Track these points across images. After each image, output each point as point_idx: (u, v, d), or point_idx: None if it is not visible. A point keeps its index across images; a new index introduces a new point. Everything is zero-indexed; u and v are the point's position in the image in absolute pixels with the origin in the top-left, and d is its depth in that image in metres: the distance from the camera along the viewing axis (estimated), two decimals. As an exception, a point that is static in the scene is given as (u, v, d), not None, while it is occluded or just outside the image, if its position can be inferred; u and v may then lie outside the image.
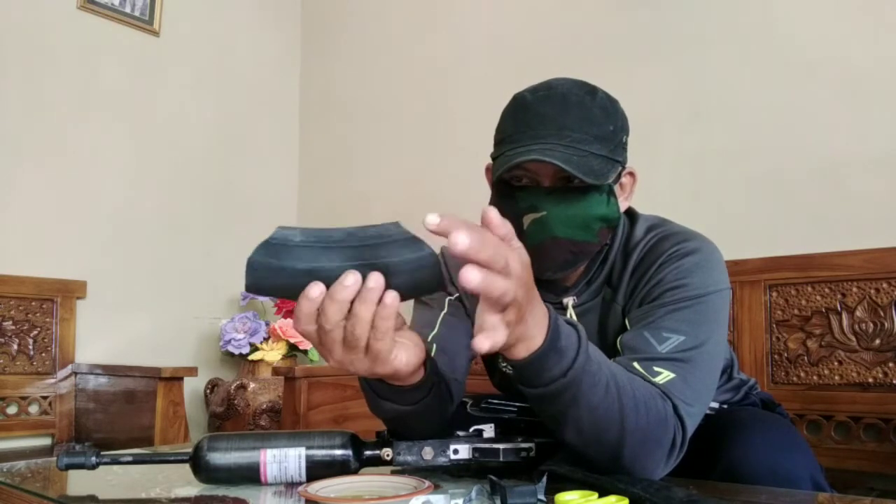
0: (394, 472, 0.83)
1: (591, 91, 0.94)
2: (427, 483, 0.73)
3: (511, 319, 0.62)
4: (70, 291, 2.37)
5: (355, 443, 0.81)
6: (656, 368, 0.82)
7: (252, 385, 2.41)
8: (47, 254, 2.36)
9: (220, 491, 0.79)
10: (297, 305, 0.61)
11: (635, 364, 0.83)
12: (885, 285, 1.54)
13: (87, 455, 0.80)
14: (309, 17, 3.13)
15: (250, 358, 2.52)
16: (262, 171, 2.97)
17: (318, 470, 0.79)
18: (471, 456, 0.82)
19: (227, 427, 2.37)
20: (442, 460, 0.82)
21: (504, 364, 1.04)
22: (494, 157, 0.96)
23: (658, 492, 0.69)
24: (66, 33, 2.45)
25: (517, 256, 0.61)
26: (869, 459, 1.52)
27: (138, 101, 2.61)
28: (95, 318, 2.43)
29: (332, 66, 3.00)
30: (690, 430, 0.82)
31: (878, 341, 1.54)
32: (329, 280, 0.60)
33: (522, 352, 0.69)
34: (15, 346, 2.24)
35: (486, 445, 0.83)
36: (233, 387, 2.39)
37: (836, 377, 1.58)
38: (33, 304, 2.29)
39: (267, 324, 2.57)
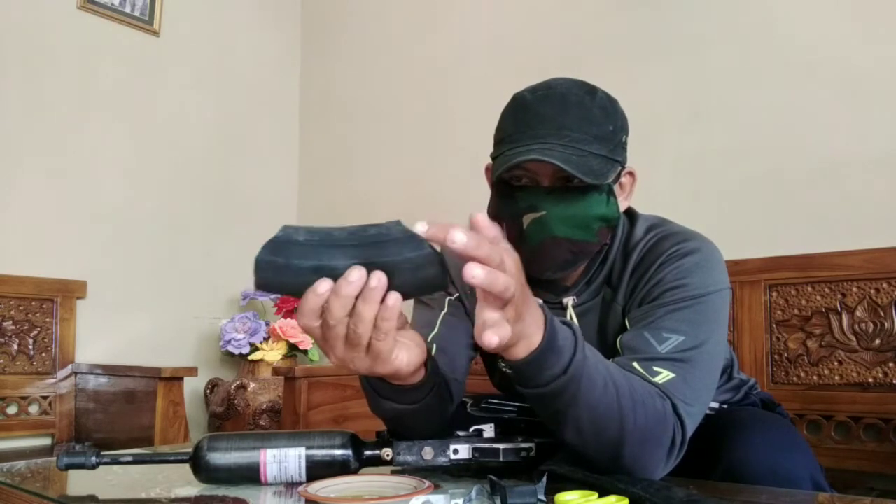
0: (394, 472, 0.83)
1: (590, 91, 0.94)
2: (427, 483, 0.74)
3: (511, 316, 0.63)
4: (70, 291, 2.37)
5: (355, 443, 0.81)
6: (656, 368, 0.82)
7: (252, 385, 2.41)
8: (47, 254, 2.36)
9: (220, 491, 0.79)
10: (302, 300, 0.62)
11: (635, 364, 0.83)
12: (885, 285, 1.54)
13: (87, 455, 0.80)
14: (309, 17, 3.13)
15: (250, 358, 2.52)
16: (262, 171, 2.97)
17: (318, 470, 0.79)
18: (471, 456, 0.82)
19: (227, 427, 2.37)
20: (442, 460, 0.82)
21: (503, 365, 1.04)
22: (494, 157, 0.96)
23: (658, 492, 0.69)
24: (66, 33, 2.45)
25: (510, 255, 0.62)
26: (869, 459, 1.52)
27: (138, 101, 2.61)
28: (95, 318, 2.43)
29: (332, 66, 3.00)
30: (690, 429, 0.82)
31: (878, 341, 1.54)
32: (335, 277, 0.60)
33: (522, 351, 0.69)
34: (15, 346, 2.25)
35: (486, 445, 0.83)
36: (233, 387, 2.39)
37: (836, 377, 1.58)
38: (33, 304, 2.29)
39: (267, 324, 2.57)
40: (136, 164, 2.60)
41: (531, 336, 0.68)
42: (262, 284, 0.60)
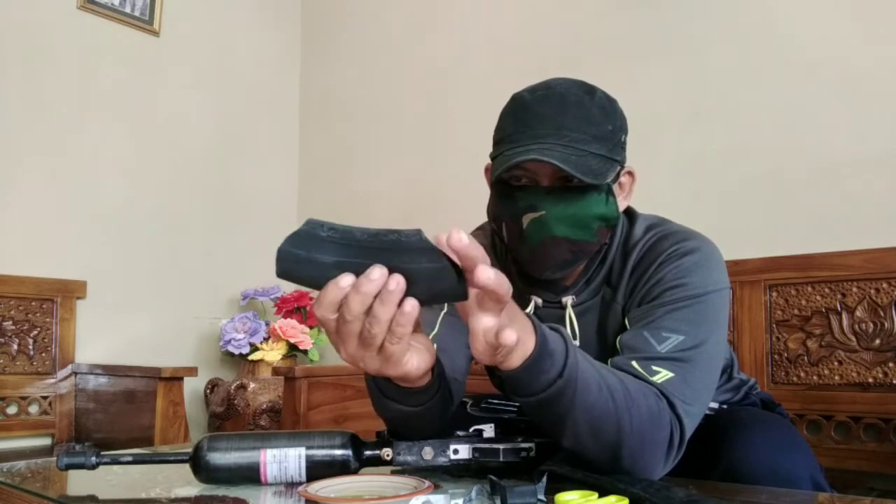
0: (394, 472, 0.83)
1: (589, 91, 0.94)
2: (427, 483, 0.74)
3: (505, 322, 0.64)
4: (70, 291, 2.37)
5: (355, 443, 0.81)
6: (655, 368, 0.82)
7: (252, 385, 2.41)
8: (47, 254, 2.36)
9: (220, 491, 0.79)
10: (322, 291, 0.62)
11: (634, 363, 0.83)
12: (885, 285, 1.54)
13: (87, 455, 0.80)
14: (309, 17, 3.13)
15: (250, 358, 2.52)
16: (262, 171, 2.97)
17: (318, 470, 0.79)
18: (471, 456, 0.82)
19: (227, 427, 2.37)
20: (442, 460, 0.82)
21: (496, 381, 1.04)
22: (493, 157, 0.96)
23: (658, 492, 0.69)
24: (66, 33, 2.45)
25: None
26: (869, 459, 1.52)
27: (138, 101, 2.61)
28: (95, 318, 2.43)
29: (332, 66, 3.00)
30: (690, 429, 0.82)
31: (878, 341, 1.54)
32: (355, 275, 0.61)
33: (517, 359, 0.69)
34: (15, 346, 2.25)
35: (486, 445, 0.83)
36: (233, 387, 2.39)
37: (836, 377, 1.58)
38: (33, 304, 2.29)
39: (267, 324, 2.57)
40: (136, 164, 2.60)
41: (525, 342, 0.68)
42: (283, 274, 0.61)
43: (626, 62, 2.08)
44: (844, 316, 1.58)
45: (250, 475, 0.79)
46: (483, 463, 0.83)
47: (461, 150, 2.41)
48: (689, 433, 0.82)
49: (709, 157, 1.91)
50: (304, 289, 2.46)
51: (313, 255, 0.60)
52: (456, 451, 0.82)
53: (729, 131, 1.89)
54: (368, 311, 0.62)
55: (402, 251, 0.59)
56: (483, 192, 1.01)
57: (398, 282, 0.59)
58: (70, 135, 2.44)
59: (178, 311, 2.66)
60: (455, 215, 2.15)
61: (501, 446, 0.83)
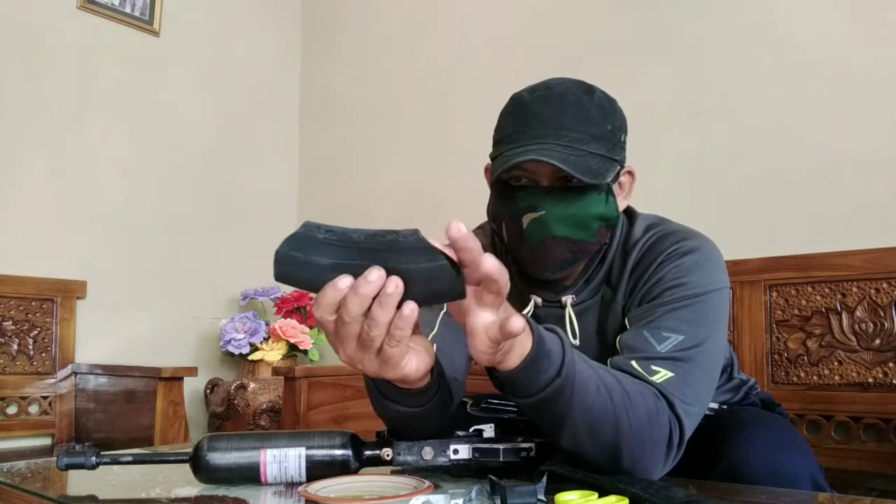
0: (394, 472, 0.83)
1: (588, 90, 0.94)
2: (427, 483, 0.74)
3: (503, 317, 0.64)
4: (70, 291, 2.37)
5: (355, 443, 0.81)
6: (654, 367, 0.82)
7: (252, 385, 2.41)
8: (47, 254, 2.36)
9: (220, 491, 0.79)
10: (320, 293, 0.62)
11: (633, 363, 0.83)
12: (885, 285, 1.54)
13: (87, 455, 0.80)
14: (309, 17, 3.13)
15: (250, 358, 2.52)
16: (262, 171, 2.97)
17: (318, 470, 0.79)
18: (471, 456, 0.82)
19: (227, 427, 2.37)
20: (442, 460, 0.82)
21: (495, 382, 1.04)
22: (493, 157, 0.96)
23: (658, 492, 0.69)
24: (66, 33, 2.45)
25: None
26: (869, 459, 1.52)
27: (138, 101, 2.61)
28: (95, 318, 2.43)
29: (332, 66, 3.00)
30: (689, 429, 0.82)
31: (878, 341, 1.54)
32: (353, 277, 0.61)
33: (515, 359, 0.69)
34: (15, 346, 2.25)
35: (486, 445, 0.83)
36: (233, 387, 2.39)
37: (836, 377, 1.58)
38: (33, 304, 2.29)
39: (267, 324, 2.57)
40: (136, 164, 2.60)
41: (522, 342, 0.69)
42: (281, 277, 0.61)
43: (626, 62, 2.08)
44: (844, 316, 1.58)
45: (250, 475, 0.79)
46: (483, 463, 0.83)
47: (461, 150, 2.41)
48: (688, 433, 0.82)
49: (709, 157, 1.92)
50: (304, 289, 2.45)
51: (310, 257, 0.60)
52: (456, 451, 0.82)
53: (729, 131, 1.89)
54: (367, 313, 0.61)
55: (400, 251, 0.59)
56: (483, 192, 1.01)
57: (396, 284, 0.59)
58: (70, 134, 2.44)
59: (178, 311, 2.66)
60: (455, 215, 2.14)
61: (501, 446, 0.83)
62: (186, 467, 0.81)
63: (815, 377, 1.60)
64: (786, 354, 1.64)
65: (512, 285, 0.65)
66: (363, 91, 2.86)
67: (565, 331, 0.95)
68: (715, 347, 0.89)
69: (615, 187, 0.97)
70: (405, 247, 0.59)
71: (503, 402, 1.05)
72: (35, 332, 2.29)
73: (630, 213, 1.04)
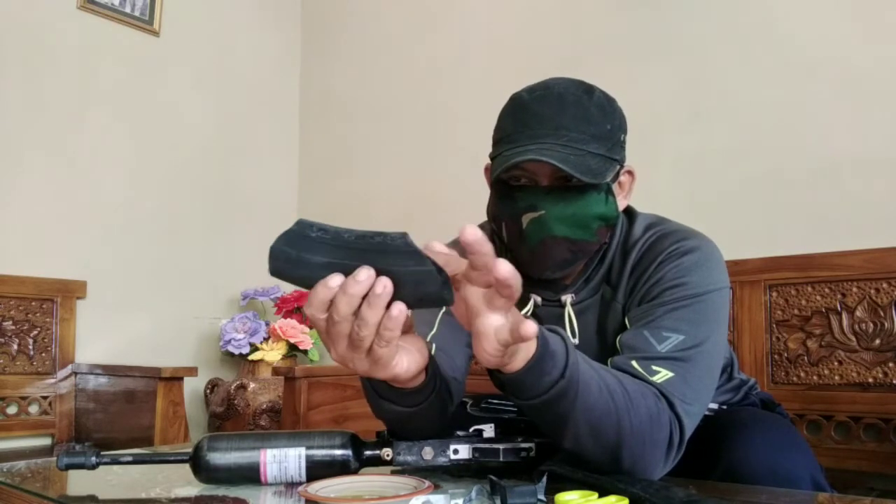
0: (394, 472, 0.83)
1: (588, 90, 0.94)
2: (427, 483, 0.74)
3: (518, 318, 0.64)
4: (70, 291, 2.37)
5: (355, 443, 0.81)
6: (655, 367, 0.82)
7: (252, 385, 2.41)
8: (47, 254, 2.36)
9: (220, 491, 0.79)
10: (312, 291, 0.62)
11: (634, 363, 0.83)
12: (885, 285, 1.54)
13: (87, 455, 0.80)
14: (309, 17, 3.13)
15: (250, 358, 2.52)
16: (262, 171, 2.97)
17: (318, 470, 0.79)
18: (471, 456, 0.82)
19: (227, 427, 2.37)
20: (442, 460, 0.82)
21: (497, 383, 1.04)
22: (493, 157, 0.96)
23: (658, 492, 0.69)
24: (66, 33, 2.45)
25: None
26: (869, 459, 1.52)
27: (138, 101, 2.61)
28: (95, 318, 2.43)
29: (332, 66, 3.00)
30: (689, 429, 0.82)
31: (878, 341, 1.54)
32: (345, 275, 0.61)
33: (521, 361, 0.69)
34: (15, 346, 2.25)
35: (486, 445, 0.83)
36: (233, 387, 2.39)
37: (836, 377, 1.58)
38: (33, 304, 2.29)
39: (267, 324, 2.57)
40: (136, 164, 2.60)
41: (528, 344, 0.68)
42: (275, 273, 0.61)
43: (626, 62, 2.08)
44: (844, 316, 1.58)
45: (250, 475, 0.79)
46: (483, 463, 0.83)
47: (461, 150, 2.41)
48: (688, 433, 0.82)
49: (709, 157, 1.91)
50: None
51: (303, 255, 0.60)
52: (456, 451, 0.82)
53: (729, 131, 1.89)
54: (357, 313, 0.62)
55: (389, 253, 0.59)
56: (483, 192, 1.01)
57: (385, 285, 0.60)
58: (70, 134, 2.44)
59: (178, 311, 2.66)
60: (455, 215, 2.14)
61: (501, 446, 0.83)
62: (186, 467, 0.81)
63: (815, 377, 1.60)
64: (786, 354, 1.64)
65: None
66: (363, 91, 2.85)
67: (564, 330, 0.95)
68: (715, 347, 0.89)
69: (615, 187, 0.97)
70: (393, 249, 0.59)
71: (503, 402, 1.05)
72: (35, 332, 2.29)
73: (630, 212, 1.04)
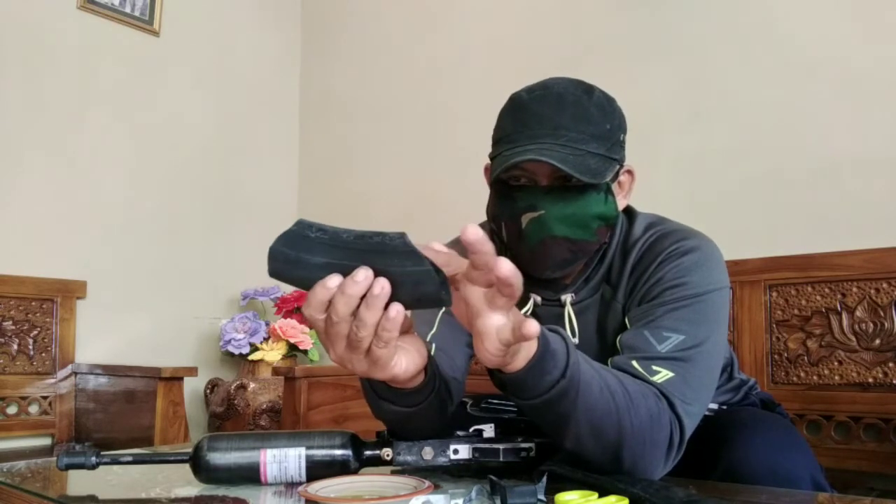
0: (394, 472, 0.83)
1: (587, 90, 0.94)
2: (427, 483, 0.74)
3: (520, 318, 0.64)
4: (70, 291, 2.37)
5: (355, 443, 0.81)
6: (655, 367, 0.82)
7: (252, 385, 2.41)
8: (47, 254, 2.36)
9: (220, 491, 0.79)
10: (310, 292, 0.62)
11: (634, 363, 0.83)
12: (885, 285, 1.54)
13: (87, 455, 0.80)
14: (309, 17, 3.13)
15: (250, 358, 2.52)
16: (262, 171, 2.97)
17: (318, 470, 0.79)
18: (471, 456, 0.82)
19: (227, 427, 2.37)
20: (442, 460, 0.82)
21: (497, 382, 1.04)
22: (492, 157, 0.96)
23: (658, 492, 0.69)
24: (66, 33, 2.45)
25: None
26: (869, 459, 1.52)
27: (138, 101, 2.61)
28: (95, 318, 2.43)
29: (332, 66, 3.00)
30: (689, 429, 0.82)
31: (878, 341, 1.54)
32: (343, 275, 0.61)
33: (522, 360, 0.69)
34: (15, 346, 2.25)
35: (486, 445, 0.83)
36: (233, 387, 2.39)
37: (836, 377, 1.58)
38: (33, 304, 2.29)
39: (267, 324, 2.57)
40: (136, 164, 2.60)
41: (529, 343, 0.68)
42: (274, 273, 0.61)
43: (626, 62, 2.08)
44: (844, 316, 1.58)
45: (250, 475, 0.79)
46: (483, 463, 0.83)
47: (461, 150, 2.41)
48: (689, 433, 0.82)
49: (709, 157, 1.91)
50: (304, 289, 2.46)
51: (302, 255, 0.60)
52: (456, 451, 0.82)
53: (729, 131, 1.89)
54: (355, 313, 0.62)
55: (387, 254, 0.59)
56: (483, 192, 1.01)
57: (383, 286, 0.60)
58: (70, 134, 2.44)
59: (178, 311, 2.66)
60: (455, 215, 2.14)
61: (501, 446, 0.83)
62: (186, 467, 0.81)
63: (815, 377, 1.60)
64: (786, 354, 1.64)
65: None
66: (363, 91, 2.85)
67: (564, 329, 0.95)
68: (715, 347, 0.89)
69: (614, 186, 0.97)
70: (391, 250, 0.59)
71: (503, 402, 1.05)
72: (35, 332, 2.29)
73: (630, 212, 1.04)
